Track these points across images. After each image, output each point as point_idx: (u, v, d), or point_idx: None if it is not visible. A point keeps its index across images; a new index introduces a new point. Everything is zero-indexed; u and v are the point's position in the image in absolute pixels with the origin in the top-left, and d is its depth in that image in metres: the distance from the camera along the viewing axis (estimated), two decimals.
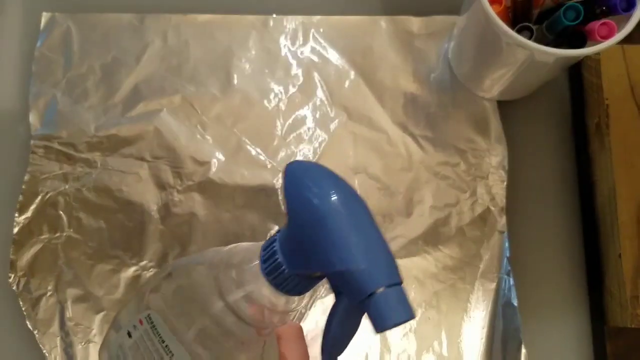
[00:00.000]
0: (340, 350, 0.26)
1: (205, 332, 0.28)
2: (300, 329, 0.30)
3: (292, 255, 0.26)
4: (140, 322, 0.29)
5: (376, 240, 0.24)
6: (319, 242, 0.24)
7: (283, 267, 0.26)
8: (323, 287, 0.39)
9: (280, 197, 0.41)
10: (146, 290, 0.31)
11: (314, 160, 0.42)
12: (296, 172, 0.26)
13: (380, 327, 0.23)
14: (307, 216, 0.24)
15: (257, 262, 0.27)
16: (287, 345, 0.29)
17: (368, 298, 0.23)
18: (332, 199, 0.24)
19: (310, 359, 0.39)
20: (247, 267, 0.27)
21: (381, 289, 0.23)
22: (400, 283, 0.24)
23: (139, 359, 0.29)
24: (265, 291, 0.27)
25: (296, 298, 0.29)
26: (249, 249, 0.28)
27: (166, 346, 0.28)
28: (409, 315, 0.23)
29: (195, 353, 0.28)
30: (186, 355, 0.27)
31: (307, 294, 0.29)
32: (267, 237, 0.27)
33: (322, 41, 0.45)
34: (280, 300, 0.28)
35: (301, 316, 0.38)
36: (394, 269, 0.24)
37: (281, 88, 0.44)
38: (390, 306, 0.23)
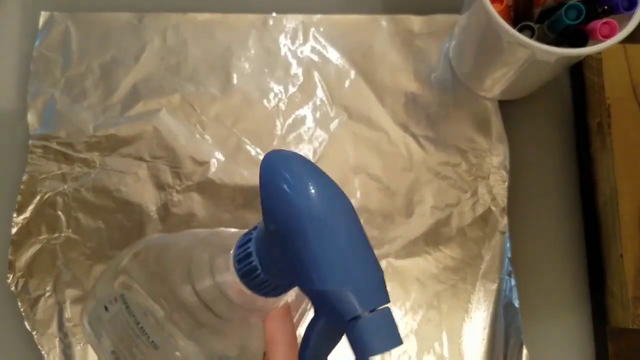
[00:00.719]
0: None
1: (178, 316, 0.26)
2: (288, 307, 0.27)
3: (268, 259, 0.23)
4: (115, 299, 0.27)
5: (363, 255, 0.21)
6: (297, 252, 0.21)
7: (258, 271, 0.23)
8: None
9: None
10: (118, 264, 0.29)
11: (314, 161, 0.42)
12: (276, 164, 0.22)
13: (363, 355, 0.20)
14: (285, 220, 0.21)
15: (232, 258, 0.24)
16: (274, 325, 0.27)
17: (351, 322, 0.20)
18: (315, 203, 0.21)
19: None
20: (222, 258, 0.25)
21: (366, 313, 0.20)
22: (386, 304, 0.21)
23: (118, 333, 0.27)
24: (239, 286, 0.24)
25: (274, 299, 0.26)
26: (228, 238, 0.25)
27: (141, 327, 0.26)
28: (396, 342, 0.20)
29: (169, 336, 0.26)
30: (160, 338, 0.26)
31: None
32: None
33: (322, 40, 0.45)
34: (256, 298, 0.25)
35: (303, 312, 0.37)
36: (381, 289, 0.21)
37: (281, 88, 0.44)
38: (376, 333, 0.20)
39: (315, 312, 0.22)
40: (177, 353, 0.26)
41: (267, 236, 0.23)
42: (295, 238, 0.21)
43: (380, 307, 0.20)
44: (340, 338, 0.23)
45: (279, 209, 0.21)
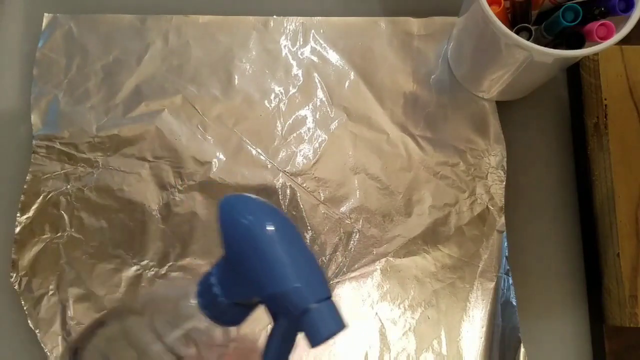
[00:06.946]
0: None
1: None
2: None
3: (228, 285, 0.28)
4: None
5: (306, 261, 0.27)
6: (254, 267, 0.26)
7: (220, 298, 0.28)
8: None
9: (281, 197, 0.42)
10: (80, 342, 0.33)
11: (314, 161, 0.43)
12: (232, 203, 0.28)
13: (315, 340, 0.25)
14: (243, 243, 0.26)
15: (193, 299, 0.29)
16: None
17: (303, 315, 0.25)
18: (266, 225, 0.27)
19: None
20: (183, 305, 0.30)
21: (314, 305, 0.25)
22: (329, 297, 0.26)
23: None
24: (202, 326, 0.29)
25: (234, 329, 0.31)
26: (182, 288, 0.31)
27: None
28: (341, 326, 0.25)
29: None
30: None
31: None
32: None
33: (322, 42, 0.45)
34: (217, 333, 0.30)
35: None
36: (323, 285, 0.26)
37: (281, 88, 0.44)
38: (323, 320, 0.25)
39: (273, 318, 0.28)
40: None
41: (226, 266, 0.28)
42: (253, 257, 0.26)
43: (325, 299, 0.25)
44: (294, 342, 0.28)
45: (240, 237, 0.27)
